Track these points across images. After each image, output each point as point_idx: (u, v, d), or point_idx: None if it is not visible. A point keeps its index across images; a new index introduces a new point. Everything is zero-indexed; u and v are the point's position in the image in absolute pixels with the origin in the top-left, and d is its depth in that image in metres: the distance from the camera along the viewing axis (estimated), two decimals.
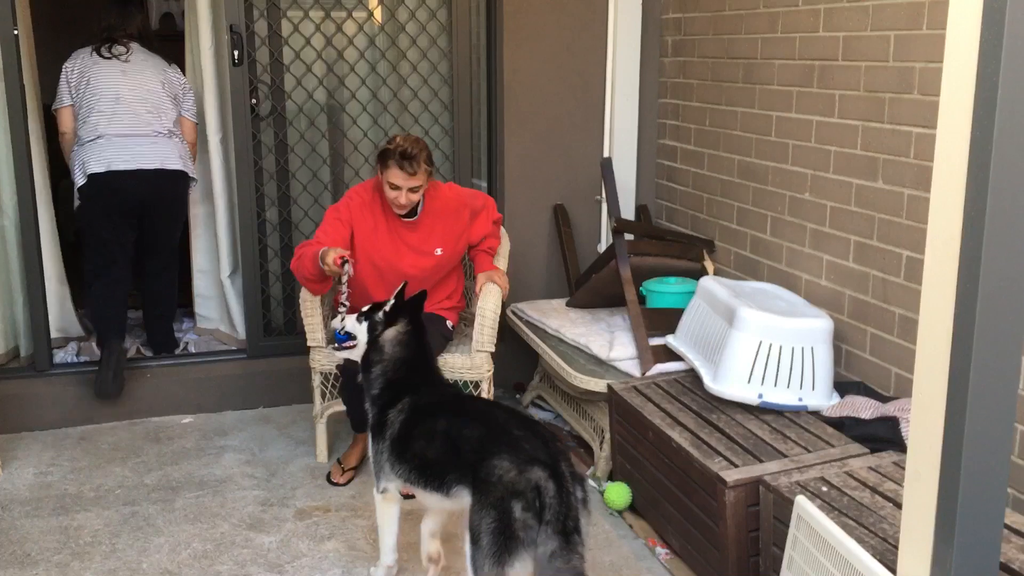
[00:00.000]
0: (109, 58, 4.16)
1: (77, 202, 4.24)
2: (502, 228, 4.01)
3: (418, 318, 2.93)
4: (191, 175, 4.32)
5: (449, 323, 3.73)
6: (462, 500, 2.52)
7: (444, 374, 3.12)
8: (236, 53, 4.14)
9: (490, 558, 2.35)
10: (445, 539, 2.96)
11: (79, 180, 4.16)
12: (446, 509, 2.78)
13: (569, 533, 2.35)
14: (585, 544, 2.39)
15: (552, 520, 2.34)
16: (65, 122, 4.20)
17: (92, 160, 4.11)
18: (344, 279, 3.18)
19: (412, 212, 3.56)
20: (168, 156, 4.19)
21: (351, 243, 3.51)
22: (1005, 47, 1.61)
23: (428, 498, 2.71)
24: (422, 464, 2.65)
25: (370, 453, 2.86)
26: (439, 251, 3.61)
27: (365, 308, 2.98)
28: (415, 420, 2.70)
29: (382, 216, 3.55)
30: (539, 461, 2.41)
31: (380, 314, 2.91)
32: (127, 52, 4.18)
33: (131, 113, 4.14)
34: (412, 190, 3.41)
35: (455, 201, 3.67)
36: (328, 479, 3.62)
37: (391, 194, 3.42)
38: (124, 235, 4.27)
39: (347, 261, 3.20)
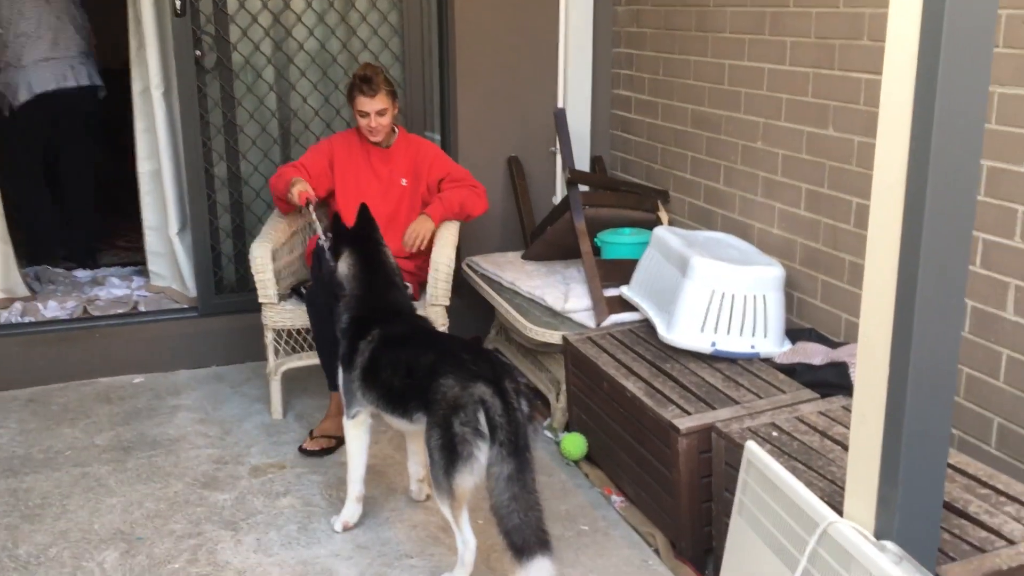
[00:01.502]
0: None
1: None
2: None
3: (366, 240, 3.02)
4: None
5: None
6: (423, 424, 2.63)
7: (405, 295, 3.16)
8: (178, 2, 4.00)
9: (441, 472, 2.51)
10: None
11: (23, 97, 4.78)
12: (413, 432, 2.93)
13: (521, 452, 2.47)
14: (535, 458, 2.54)
15: (505, 441, 2.46)
16: None
17: (36, 80, 4.77)
18: (314, 221, 3.40)
19: (387, 146, 3.77)
20: (93, 73, 4.98)
21: (331, 173, 3.72)
22: None
23: (396, 423, 2.85)
24: (388, 391, 2.78)
25: (340, 381, 2.96)
26: (404, 181, 3.77)
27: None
28: (383, 350, 2.82)
29: (360, 148, 3.77)
30: (482, 377, 2.52)
31: (327, 251, 3.06)
32: None
33: (65, 38, 4.83)
34: (379, 114, 3.62)
35: (425, 143, 3.90)
36: (300, 450, 3.51)
37: (362, 123, 3.66)
38: (46, 151, 5.05)
39: (310, 202, 3.48)
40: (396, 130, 3.80)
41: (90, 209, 5.31)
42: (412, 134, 3.95)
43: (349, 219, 3.12)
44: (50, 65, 4.82)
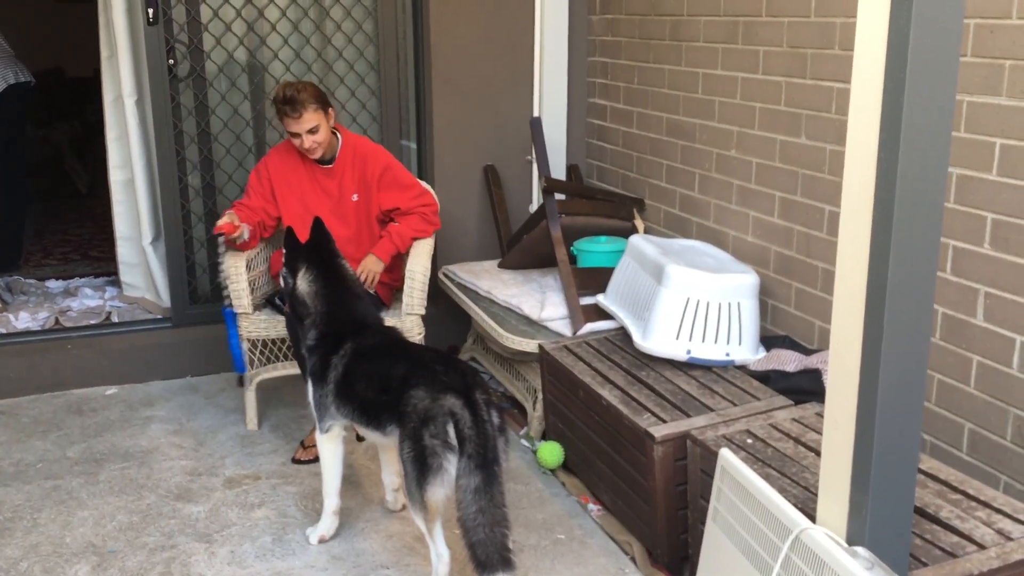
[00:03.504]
0: None
1: None
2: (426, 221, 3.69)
3: (322, 256, 2.96)
4: None
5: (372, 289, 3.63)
6: (396, 436, 2.62)
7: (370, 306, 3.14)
8: (150, 11, 3.99)
9: (413, 484, 2.51)
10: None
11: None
12: (388, 445, 2.92)
13: (490, 465, 2.46)
14: (505, 472, 2.53)
15: (473, 454, 2.45)
16: None
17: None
18: (224, 254, 3.41)
19: (329, 160, 3.57)
20: (26, 70, 5.22)
21: (273, 198, 3.57)
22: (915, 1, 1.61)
23: (371, 435, 2.86)
24: (362, 404, 2.76)
25: (310, 397, 2.92)
26: (355, 197, 3.60)
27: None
28: (356, 363, 2.79)
29: (302, 166, 3.58)
30: (453, 389, 2.51)
31: (283, 268, 3.00)
32: None
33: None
34: (311, 132, 3.40)
35: (372, 151, 3.63)
36: (293, 461, 3.50)
37: (295, 142, 3.45)
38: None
39: (222, 234, 3.40)
40: (339, 135, 3.56)
41: (26, 206, 5.57)
42: (356, 137, 3.68)
43: (302, 239, 3.04)
44: (3, 62, 5.09)
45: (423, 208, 3.64)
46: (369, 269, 3.51)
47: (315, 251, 2.98)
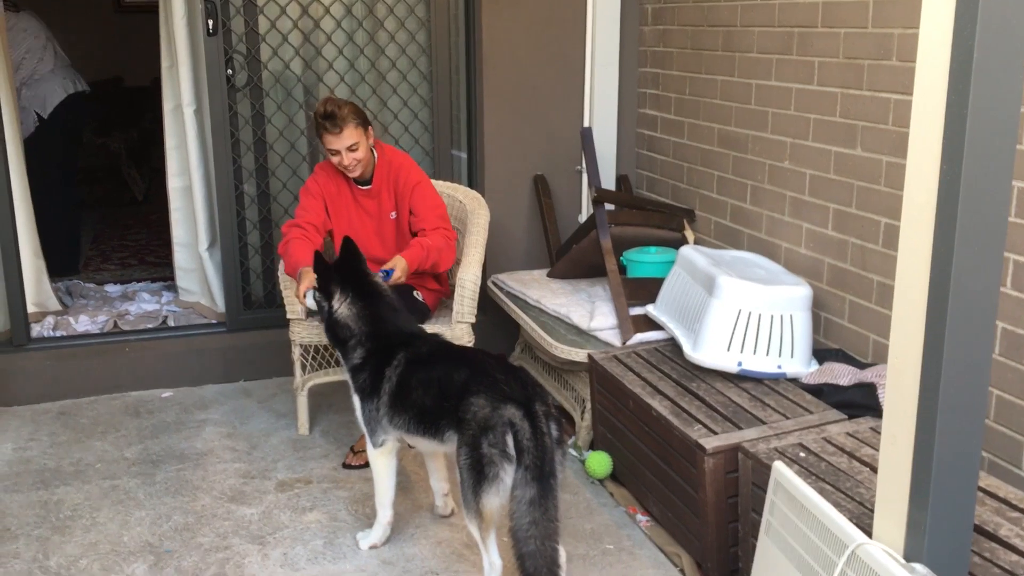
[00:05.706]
0: (17, 11, 5.14)
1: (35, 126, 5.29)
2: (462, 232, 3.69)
3: (356, 277, 2.93)
4: None
5: (419, 295, 3.64)
6: (454, 443, 2.63)
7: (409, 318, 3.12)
8: (210, 23, 4.07)
9: (469, 491, 2.51)
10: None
11: (58, 99, 5.27)
12: (442, 453, 2.96)
13: (546, 478, 2.46)
14: (560, 485, 2.53)
15: (530, 465, 2.45)
16: None
17: (59, 85, 5.30)
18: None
19: (367, 181, 3.57)
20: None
21: (327, 213, 3.57)
22: (980, 11, 1.60)
23: (426, 444, 2.84)
24: (419, 413, 2.75)
25: (359, 413, 2.93)
26: (393, 215, 3.60)
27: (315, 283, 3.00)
28: (411, 372, 2.79)
29: (345, 186, 3.60)
30: (513, 399, 2.52)
31: (318, 295, 2.96)
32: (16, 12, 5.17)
33: (58, 47, 5.40)
34: (351, 149, 3.38)
35: (405, 164, 3.61)
36: (344, 466, 3.53)
37: (334, 160, 3.43)
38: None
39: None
40: (375, 154, 3.54)
41: (78, 213, 5.79)
42: (391, 151, 3.64)
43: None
44: (64, 71, 5.37)
45: (446, 231, 3.51)
46: (401, 269, 3.32)
47: (348, 271, 2.94)
